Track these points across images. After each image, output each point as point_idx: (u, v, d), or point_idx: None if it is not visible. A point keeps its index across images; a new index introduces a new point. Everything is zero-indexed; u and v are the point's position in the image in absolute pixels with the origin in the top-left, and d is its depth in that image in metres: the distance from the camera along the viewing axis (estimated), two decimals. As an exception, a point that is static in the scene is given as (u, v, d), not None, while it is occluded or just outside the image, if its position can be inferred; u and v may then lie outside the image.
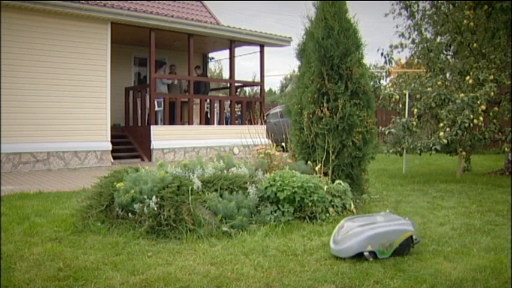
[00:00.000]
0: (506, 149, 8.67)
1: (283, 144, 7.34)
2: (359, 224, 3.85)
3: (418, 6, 10.82)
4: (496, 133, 8.82)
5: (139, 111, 13.16)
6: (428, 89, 8.85)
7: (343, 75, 5.78)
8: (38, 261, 3.61)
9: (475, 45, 9.11)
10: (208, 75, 19.64)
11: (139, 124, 13.14)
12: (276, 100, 31.44)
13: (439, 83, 9.28)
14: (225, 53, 15.70)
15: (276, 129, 13.16)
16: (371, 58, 59.43)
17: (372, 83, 9.23)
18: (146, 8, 12.97)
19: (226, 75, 32.54)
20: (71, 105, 10.89)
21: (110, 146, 11.59)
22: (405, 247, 3.73)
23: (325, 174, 5.74)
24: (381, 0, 14.81)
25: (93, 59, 11.26)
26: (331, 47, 5.76)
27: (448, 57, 10.24)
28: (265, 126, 13.29)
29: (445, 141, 7.86)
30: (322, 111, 5.78)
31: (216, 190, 4.86)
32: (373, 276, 3.34)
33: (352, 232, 3.74)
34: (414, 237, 3.81)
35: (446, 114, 8.07)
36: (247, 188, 4.89)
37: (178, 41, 13.99)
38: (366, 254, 3.62)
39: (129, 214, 4.59)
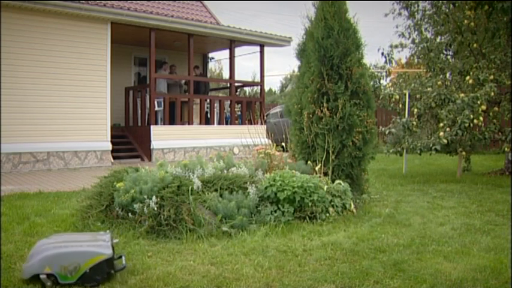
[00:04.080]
0: (506, 149, 8.67)
1: (283, 144, 7.34)
2: (53, 241, 3.34)
3: (418, 6, 10.82)
4: (496, 133, 8.82)
5: (139, 111, 13.16)
6: (428, 89, 8.85)
7: (343, 75, 5.77)
8: (38, 261, 3.61)
9: (475, 45, 9.11)
10: (208, 75, 19.63)
11: (139, 124, 13.14)
12: (276, 100, 31.43)
13: (439, 83, 9.27)
14: (225, 53, 15.70)
15: (276, 129, 13.14)
16: (371, 58, 59.47)
17: (372, 83, 9.23)
18: (146, 8, 12.96)
19: (226, 75, 32.55)
20: (71, 105, 10.89)
21: (110, 146, 11.58)
22: (99, 272, 3.18)
23: (325, 174, 5.74)
24: (381, 0, 14.80)
25: (94, 59, 11.25)
26: (331, 47, 5.76)
27: (448, 57, 10.24)
28: (265, 126, 13.29)
29: (445, 141, 7.86)
30: (322, 111, 5.78)
31: (216, 190, 4.86)
32: (373, 276, 3.34)
33: (37, 250, 3.25)
34: (124, 262, 3.36)
35: (446, 114, 8.07)
36: (247, 188, 4.89)
37: (178, 41, 13.99)
38: (42, 277, 3.10)
39: (129, 214, 4.59)
